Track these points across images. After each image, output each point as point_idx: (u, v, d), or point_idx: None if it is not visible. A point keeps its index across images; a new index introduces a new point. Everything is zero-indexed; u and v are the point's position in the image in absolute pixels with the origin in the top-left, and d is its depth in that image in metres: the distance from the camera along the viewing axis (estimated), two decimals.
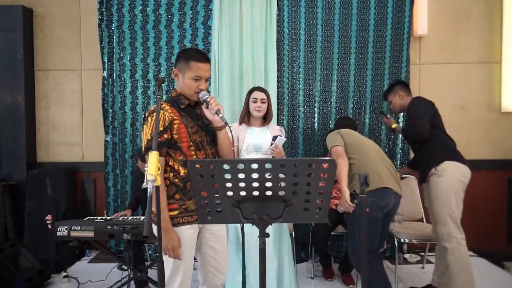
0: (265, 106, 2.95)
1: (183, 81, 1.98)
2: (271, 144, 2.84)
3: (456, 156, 2.85)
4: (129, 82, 4.05)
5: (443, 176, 2.77)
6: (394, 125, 3.36)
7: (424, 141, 2.88)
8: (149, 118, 1.92)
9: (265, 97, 2.95)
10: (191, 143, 1.96)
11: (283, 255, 2.98)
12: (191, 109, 2.03)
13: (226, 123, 1.97)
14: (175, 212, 1.95)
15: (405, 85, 3.20)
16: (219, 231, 2.11)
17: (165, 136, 1.91)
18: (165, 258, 1.90)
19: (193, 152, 1.96)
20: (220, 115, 1.91)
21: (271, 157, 2.89)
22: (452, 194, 2.75)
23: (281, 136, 2.87)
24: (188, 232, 1.96)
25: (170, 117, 1.93)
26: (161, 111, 1.91)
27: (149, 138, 1.89)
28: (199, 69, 1.95)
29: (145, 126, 1.93)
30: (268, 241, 2.79)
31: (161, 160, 1.89)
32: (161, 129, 1.89)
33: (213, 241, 2.10)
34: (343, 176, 2.68)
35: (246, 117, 2.99)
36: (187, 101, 2.01)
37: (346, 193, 2.65)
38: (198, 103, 2.05)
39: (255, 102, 2.93)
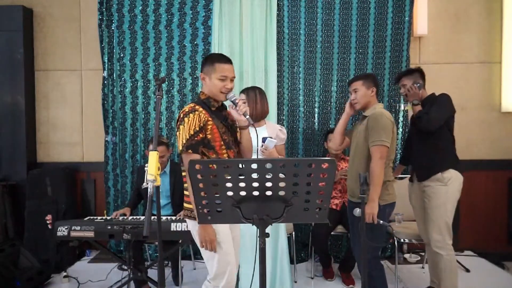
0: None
1: (211, 82, 2.10)
2: (261, 146, 2.80)
3: (459, 166, 2.84)
4: (129, 82, 4.05)
5: (448, 185, 2.76)
6: (415, 102, 2.88)
7: (430, 133, 2.77)
8: (186, 119, 2.02)
9: (243, 97, 2.85)
10: (223, 143, 2.08)
11: (280, 255, 2.99)
12: (219, 111, 2.16)
13: (252, 124, 2.07)
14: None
15: (424, 76, 2.94)
16: None
17: (200, 135, 2.03)
18: (206, 252, 2.05)
19: (224, 151, 2.08)
20: (247, 117, 2.03)
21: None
22: (451, 204, 2.79)
23: (271, 138, 2.80)
24: None
25: (205, 118, 2.04)
26: (196, 112, 2.03)
27: (188, 137, 2.01)
28: (224, 69, 2.09)
29: (181, 126, 2.03)
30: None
31: (198, 158, 2.02)
32: (197, 129, 2.01)
33: (233, 230, 2.20)
34: (378, 185, 2.43)
35: None
36: (216, 104, 2.13)
37: (376, 207, 2.42)
38: (223, 105, 2.21)
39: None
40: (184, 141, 2.01)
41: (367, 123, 2.57)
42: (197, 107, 2.06)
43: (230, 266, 2.05)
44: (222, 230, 2.06)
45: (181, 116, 2.05)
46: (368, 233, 2.29)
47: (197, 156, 2.00)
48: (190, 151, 2.00)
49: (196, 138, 2.00)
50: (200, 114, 2.03)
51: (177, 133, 2.07)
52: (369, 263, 2.49)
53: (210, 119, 2.05)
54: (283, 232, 3.05)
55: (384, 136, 2.48)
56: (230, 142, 2.12)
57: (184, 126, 2.01)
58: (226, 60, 2.14)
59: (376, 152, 2.47)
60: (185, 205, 2.13)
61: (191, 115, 2.01)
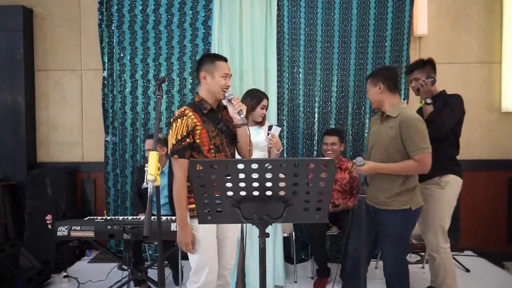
0: None
1: (213, 80, 2.14)
2: (268, 134, 2.86)
3: (459, 170, 2.79)
4: (129, 82, 4.05)
5: (445, 189, 2.73)
6: (428, 101, 2.74)
7: (439, 138, 2.67)
8: (174, 124, 2.09)
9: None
10: (212, 146, 2.11)
11: (276, 253, 3.04)
12: (213, 113, 2.17)
13: (245, 124, 2.12)
14: (194, 205, 2.07)
15: (435, 68, 2.83)
16: None
17: (188, 140, 2.07)
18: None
19: (213, 155, 2.12)
20: (242, 116, 2.08)
21: (267, 152, 2.98)
22: (448, 207, 2.77)
23: (275, 125, 2.99)
24: None
25: (193, 124, 2.08)
26: (185, 118, 2.08)
27: (174, 142, 2.07)
28: (225, 67, 2.17)
29: (170, 131, 2.10)
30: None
31: (185, 163, 2.02)
32: (184, 134, 2.06)
33: (226, 231, 2.24)
34: (393, 171, 2.33)
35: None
36: (209, 106, 2.16)
37: (375, 170, 2.30)
38: (219, 107, 2.23)
39: (263, 109, 3.02)
40: (171, 146, 2.08)
41: (399, 128, 2.31)
42: (187, 111, 2.10)
43: (208, 267, 2.10)
44: (202, 233, 2.10)
45: (171, 121, 2.11)
46: (395, 247, 2.39)
47: (183, 161, 2.05)
48: (176, 156, 2.07)
49: (183, 143, 2.06)
50: (188, 119, 2.07)
51: (168, 137, 2.14)
52: (398, 267, 2.46)
53: (199, 123, 2.09)
54: (279, 231, 3.12)
55: (425, 141, 2.30)
56: (221, 145, 2.14)
57: (172, 131, 2.08)
58: (224, 58, 2.21)
59: (426, 159, 2.29)
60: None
61: (179, 120, 2.07)
